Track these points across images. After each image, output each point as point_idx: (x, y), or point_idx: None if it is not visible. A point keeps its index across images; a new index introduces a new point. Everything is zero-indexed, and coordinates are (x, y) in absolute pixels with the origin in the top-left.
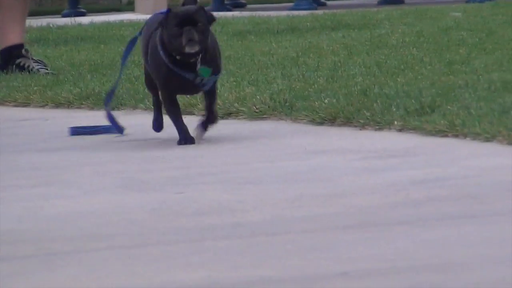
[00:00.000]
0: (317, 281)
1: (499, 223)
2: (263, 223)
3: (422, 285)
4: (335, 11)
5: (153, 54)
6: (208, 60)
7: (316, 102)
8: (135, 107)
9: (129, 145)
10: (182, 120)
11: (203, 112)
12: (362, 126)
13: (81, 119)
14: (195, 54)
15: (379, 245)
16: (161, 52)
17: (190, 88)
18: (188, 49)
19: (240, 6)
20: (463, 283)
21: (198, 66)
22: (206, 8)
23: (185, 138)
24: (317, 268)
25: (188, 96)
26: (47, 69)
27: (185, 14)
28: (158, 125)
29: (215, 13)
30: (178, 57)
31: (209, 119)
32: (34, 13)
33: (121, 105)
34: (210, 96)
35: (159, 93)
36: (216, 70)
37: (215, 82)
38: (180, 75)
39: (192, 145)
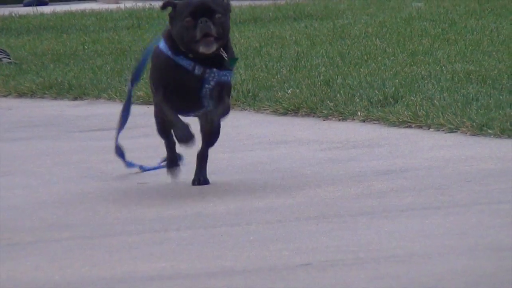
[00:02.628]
0: (279, 272)
1: (461, 214)
2: (226, 214)
3: (385, 276)
4: (297, 1)
5: (153, 54)
6: (222, 59)
7: (279, 93)
8: (98, 97)
9: (90, 135)
10: (179, 119)
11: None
12: (326, 117)
13: (45, 109)
14: (212, 54)
15: (342, 236)
16: (162, 46)
17: (189, 81)
18: (203, 49)
19: None
20: (425, 273)
21: (225, 57)
22: None
23: (182, 138)
24: (279, 259)
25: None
26: (9, 59)
27: (201, 2)
28: (172, 162)
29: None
30: (189, 55)
31: (207, 143)
32: None
33: (84, 94)
34: (217, 103)
35: (153, 99)
36: (225, 65)
37: (225, 87)
38: (179, 65)
39: (155, 135)
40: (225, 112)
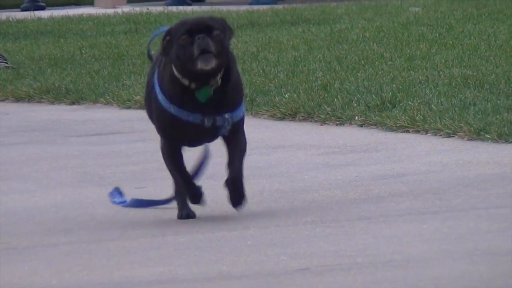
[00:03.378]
0: (277, 276)
1: (459, 219)
2: (224, 219)
3: (383, 280)
4: (294, 5)
5: (150, 96)
6: (228, 87)
7: (276, 97)
8: (95, 101)
9: (88, 140)
10: (188, 181)
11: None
12: (323, 121)
13: (42, 113)
14: (212, 72)
15: (340, 241)
16: (160, 97)
17: (200, 133)
18: (201, 65)
19: (199, 0)
20: (423, 278)
21: (215, 84)
22: (166, 3)
23: (182, 212)
24: (277, 264)
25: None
26: (6, 63)
27: (197, 20)
28: (195, 198)
29: (173, 7)
30: (192, 84)
31: (235, 191)
32: None
33: (82, 99)
34: (234, 145)
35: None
36: (236, 101)
37: (239, 123)
38: (184, 120)
39: (152, 140)
40: (245, 150)
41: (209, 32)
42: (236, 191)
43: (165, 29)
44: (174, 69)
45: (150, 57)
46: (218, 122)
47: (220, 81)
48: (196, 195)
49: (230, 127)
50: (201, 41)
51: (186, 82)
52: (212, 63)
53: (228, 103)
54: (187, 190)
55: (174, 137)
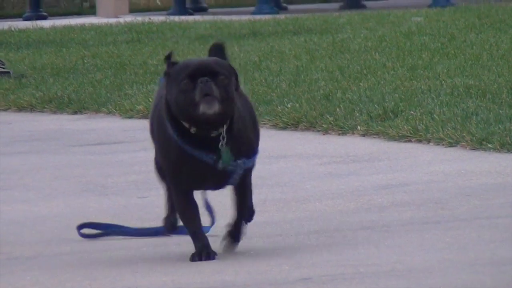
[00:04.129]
0: (280, 286)
1: (461, 229)
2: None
3: None
4: (296, 15)
5: (159, 128)
6: (237, 135)
7: (279, 107)
8: (97, 111)
9: (89, 149)
10: (201, 230)
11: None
12: (325, 131)
13: (44, 123)
14: (215, 119)
15: (342, 251)
16: (167, 123)
17: (211, 178)
18: (203, 108)
19: (201, 10)
20: None
21: (222, 143)
22: (167, 13)
23: (200, 253)
24: (279, 274)
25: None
26: (3, 68)
27: (199, 63)
28: (170, 225)
29: (175, 17)
30: (192, 128)
31: (238, 226)
32: None
33: (84, 108)
34: (241, 191)
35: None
36: (248, 151)
37: (248, 170)
38: (195, 157)
39: (152, 149)
40: (251, 192)
41: (213, 76)
42: (236, 234)
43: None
44: (172, 110)
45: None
46: (231, 167)
47: (226, 132)
48: (207, 250)
49: (241, 174)
50: (204, 85)
51: (188, 125)
52: (215, 107)
53: (243, 150)
54: (199, 242)
55: (184, 181)
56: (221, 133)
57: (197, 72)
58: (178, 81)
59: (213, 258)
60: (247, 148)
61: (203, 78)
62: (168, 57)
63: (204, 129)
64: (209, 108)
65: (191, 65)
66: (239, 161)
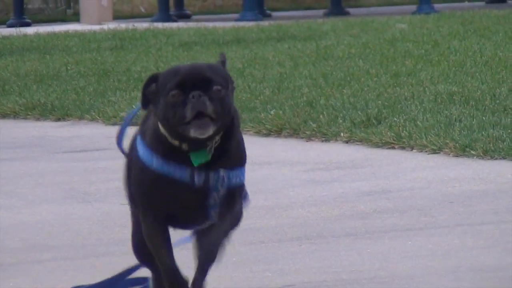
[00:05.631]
0: None
1: (444, 236)
2: None
3: None
4: (280, 22)
5: (134, 164)
6: (228, 151)
7: (262, 114)
8: (81, 118)
9: (73, 156)
10: (173, 264)
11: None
12: (309, 138)
13: (28, 130)
14: (209, 139)
15: (325, 258)
16: (141, 151)
17: (188, 198)
18: (195, 133)
19: (185, 17)
20: None
21: (210, 149)
22: (151, 19)
23: (172, 284)
24: (262, 280)
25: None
26: None
27: (192, 70)
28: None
29: (159, 24)
30: (182, 145)
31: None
32: None
33: (67, 115)
34: (224, 212)
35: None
36: (235, 161)
37: (237, 191)
38: (171, 179)
39: None
40: (235, 223)
41: (207, 87)
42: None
43: (136, 111)
44: (160, 126)
45: (122, 149)
46: (211, 181)
47: (219, 141)
48: (180, 284)
49: (226, 193)
50: (196, 101)
51: (175, 142)
52: (209, 131)
53: (225, 159)
54: (170, 277)
55: (157, 204)
56: (210, 146)
57: (188, 81)
58: (166, 91)
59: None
60: (236, 155)
61: (195, 92)
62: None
63: (196, 147)
64: (202, 134)
65: (180, 72)
66: (222, 172)
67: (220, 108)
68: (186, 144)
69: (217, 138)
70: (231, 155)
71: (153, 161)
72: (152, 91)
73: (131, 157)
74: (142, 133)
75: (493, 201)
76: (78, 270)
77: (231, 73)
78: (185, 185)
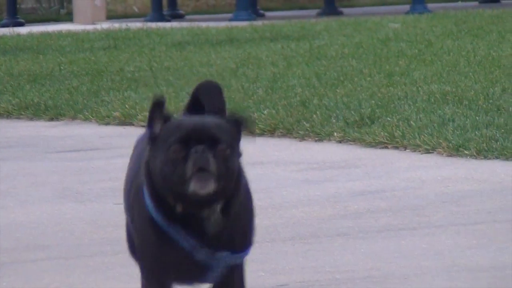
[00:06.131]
0: None
1: (437, 235)
2: None
3: None
4: (274, 22)
5: (135, 201)
6: (234, 218)
7: (255, 113)
8: (74, 118)
9: (66, 155)
10: None
11: None
12: (302, 138)
13: (21, 130)
14: (208, 199)
15: (318, 257)
16: (146, 199)
17: (190, 269)
18: (194, 187)
19: (178, 17)
20: None
21: (211, 222)
22: (145, 19)
23: None
24: (255, 280)
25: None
26: None
27: (195, 124)
28: None
29: (152, 24)
30: (177, 206)
31: None
32: None
33: (60, 115)
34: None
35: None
36: (243, 242)
37: (238, 267)
38: (174, 242)
39: (128, 155)
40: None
41: (212, 144)
42: None
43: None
44: (155, 182)
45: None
46: (211, 260)
47: (221, 214)
48: None
49: (226, 272)
50: (199, 156)
51: (171, 201)
52: (210, 187)
53: (226, 238)
54: None
55: (156, 264)
56: (213, 209)
57: (192, 137)
58: (166, 145)
59: None
60: (243, 236)
61: (199, 146)
62: (157, 105)
63: (192, 209)
64: (202, 188)
65: (184, 127)
66: (221, 254)
67: (224, 167)
68: (181, 204)
69: (217, 206)
70: (233, 233)
71: (158, 218)
72: (154, 135)
73: (134, 208)
74: (148, 179)
75: (486, 200)
76: (72, 269)
77: (225, 72)
78: (184, 252)
